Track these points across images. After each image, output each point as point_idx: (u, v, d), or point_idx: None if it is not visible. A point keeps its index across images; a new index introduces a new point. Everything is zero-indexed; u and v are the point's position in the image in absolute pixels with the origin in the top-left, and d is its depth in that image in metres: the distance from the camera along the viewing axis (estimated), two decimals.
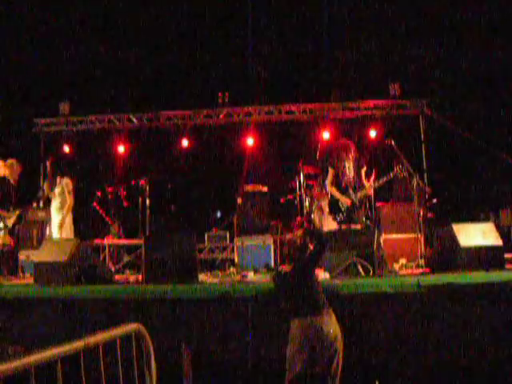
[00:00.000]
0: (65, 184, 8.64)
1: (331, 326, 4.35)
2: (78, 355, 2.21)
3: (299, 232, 4.80)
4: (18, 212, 8.33)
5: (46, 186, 8.73)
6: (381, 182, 7.54)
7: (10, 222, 8.22)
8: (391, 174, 7.41)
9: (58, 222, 8.59)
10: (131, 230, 10.90)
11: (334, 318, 4.43)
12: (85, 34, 12.00)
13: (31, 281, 7.10)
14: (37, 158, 12.55)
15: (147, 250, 6.68)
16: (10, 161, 8.49)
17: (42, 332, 5.66)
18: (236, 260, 9.16)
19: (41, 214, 10.14)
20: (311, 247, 4.60)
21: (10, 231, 8.33)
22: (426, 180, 11.21)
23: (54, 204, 8.68)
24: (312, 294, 4.43)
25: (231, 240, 10.05)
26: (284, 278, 4.67)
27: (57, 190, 8.62)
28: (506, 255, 6.57)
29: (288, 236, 9.18)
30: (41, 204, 11.91)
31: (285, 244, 9.31)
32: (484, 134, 10.61)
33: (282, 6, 11.85)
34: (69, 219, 8.70)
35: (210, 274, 7.86)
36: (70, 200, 8.64)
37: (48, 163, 8.78)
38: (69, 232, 8.65)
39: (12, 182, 8.42)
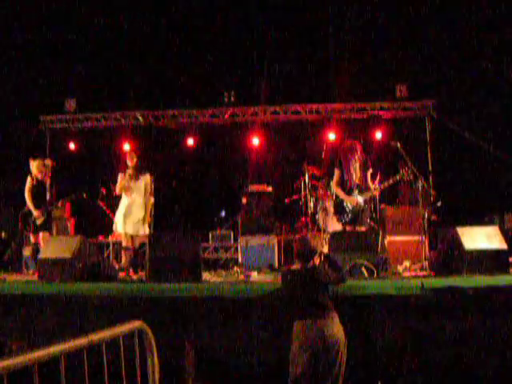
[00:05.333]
0: (148, 181, 8.39)
1: (333, 328, 4.35)
2: (81, 352, 2.22)
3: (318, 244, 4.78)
4: (45, 211, 8.24)
5: (123, 181, 8.25)
6: (386, 184, 7.53)
7: (39, 221, 8.17)
8: (397, 177, 7.40)
9: (143, 217, 8.21)
10: None
11: (337, 320, 4.42)
12: (91, 32, 12.02)
13: (35, 277, 7.13)
14: (42, 155, 12.58)
15: (151, 249, 6.68)
16: (40, 161, 8.45)
17: (45, 328, 5.67)
18: (240, 259, 9.18)
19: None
20: (328, 271, 4.59)
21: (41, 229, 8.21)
22: (431, 182, 11.19)
23: (137, 200, 8.26)
24: (317, 298, 4.43)
25: (235, 239, 10.07)
26: (293, 277, 4.67)
27: (136, 186, 8.27)
28: (511, 259, 6.55)
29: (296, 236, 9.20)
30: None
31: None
32: (490, 137, 10.58)
33: (289, 5, 11.84)
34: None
35: (213, 273, 7.87)
36: (152, 196, 8.48)
37: (131, 158, 8.38)
38: (151, 227, 8.47)
39: (45, 182, 8.41)
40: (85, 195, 8.62)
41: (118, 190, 8.37)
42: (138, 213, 8.23)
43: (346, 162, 7.72)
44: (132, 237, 8.18)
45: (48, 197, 8.46)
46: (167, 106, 12.53)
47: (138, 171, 8.35)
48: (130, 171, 8.29)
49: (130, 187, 8.26)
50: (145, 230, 8.20)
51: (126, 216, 8.20)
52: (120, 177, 8.34)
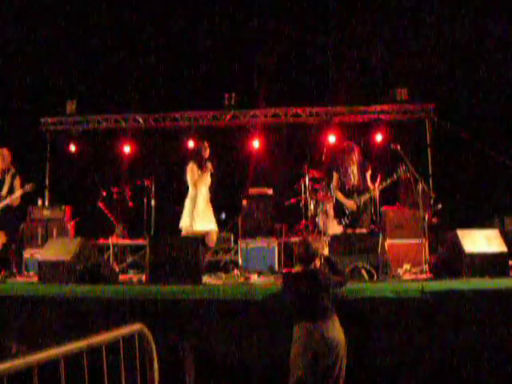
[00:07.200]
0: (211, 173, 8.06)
1: (334, 331, 4.35)
2: (81, 355, 2.22)
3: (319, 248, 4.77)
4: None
5: (196, 174, 7.84)
6: (385, 184, 7.55)
7: None
8: (395, 176, 7.43)
9: (211, 212, 8.05)
10: (136, 230, 10.90)
11: (337, 324, 4.42)
12: (92, 34, 12.03)
13: (35, 279, 7.12)
14: (42, 157, 12.60)
15: (151, 251, 6.68)
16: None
17: (45, 331, 5.67)
18: (240, 262, 9.16)
19: (46, 213, 10.14)
20: (329, 274, 4.61)
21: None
22: (431, 185, 11.19)
23: (206, 194, 8.02)
24: (318, 300, 4.42)
25: (235, 242, 10.05)
26: (294, 280, 4.67)
27: (205, 179, 7.94)
28: (511, 262, 6.54)
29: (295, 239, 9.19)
30: (46, 202, 12.00)
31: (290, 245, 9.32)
32: (490, 140, 10.58)
33: (289, 8, 11.85)
34: None
35: (213, 276, 7.86)
36: None
37: (205, 148, 7.94)
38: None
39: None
40: (30, 187, 7.76)
41: (192, 184, 7.94)
42: (207, 208, 8.08)
43: (343, 163, 7.75)
44: (205, 234, 7.92)
45: (4, 191, 7.74)
46: (168, 109, 12.53)
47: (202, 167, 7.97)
48: (207, 164, 7.91)
49: (202, 180, 7.96)
50: (215, 226, 8.08)
51: (196, 212, 7.93)
52: (192, 168, 7.98)
